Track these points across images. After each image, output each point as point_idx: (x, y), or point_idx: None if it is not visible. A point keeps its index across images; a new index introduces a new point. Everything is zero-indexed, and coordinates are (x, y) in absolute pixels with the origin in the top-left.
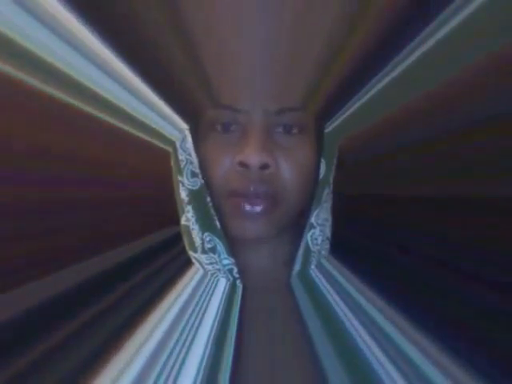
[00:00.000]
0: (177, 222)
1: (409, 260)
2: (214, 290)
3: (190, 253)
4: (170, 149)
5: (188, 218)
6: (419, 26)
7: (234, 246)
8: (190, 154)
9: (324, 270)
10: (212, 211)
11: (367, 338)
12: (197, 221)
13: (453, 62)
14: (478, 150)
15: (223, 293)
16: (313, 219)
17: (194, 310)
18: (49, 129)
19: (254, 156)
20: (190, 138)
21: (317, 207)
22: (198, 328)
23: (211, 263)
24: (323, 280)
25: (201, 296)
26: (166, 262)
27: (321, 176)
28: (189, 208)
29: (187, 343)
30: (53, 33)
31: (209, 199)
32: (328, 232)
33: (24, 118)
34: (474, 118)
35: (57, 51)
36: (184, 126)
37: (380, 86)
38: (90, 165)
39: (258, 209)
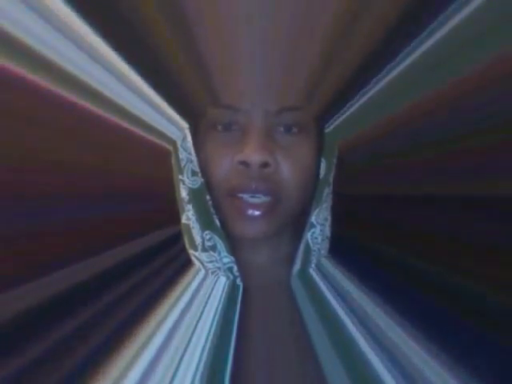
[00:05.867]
0: (177, 220)
1: (409, 260)
2: (213, 288)
3: (191, 251)
4: (170, 148)
5: (188, 216)
6: (419, 27)
7: (234, 244)
8: (190, 153)
9: (324, 270)
10: (212, 210)
11: (367, 337)
12: (197, 219)
13: (453, 62)
14: (478, 149)
15: (223, 291)
16: (313, 218)
17: (193, 308)
18: (48, 127)
19: (254, 155)
20: (189, 137)
21: (317, 206)
22: (197, 326)
23: (211, 261)
24: (323, 279)
25: (201, 294)
26: (167, 261)
27: (321, 175)
28: (189, 207)
29: (187, 342)
30: (55, 31)
31: (209, 197)
32: (328, 231)
33: (23, 116)
34: (475, 118)
35: (58, 49)
36: (185, 124)
37: (380, 86)
38: (90, 163)
39: (259, 212)
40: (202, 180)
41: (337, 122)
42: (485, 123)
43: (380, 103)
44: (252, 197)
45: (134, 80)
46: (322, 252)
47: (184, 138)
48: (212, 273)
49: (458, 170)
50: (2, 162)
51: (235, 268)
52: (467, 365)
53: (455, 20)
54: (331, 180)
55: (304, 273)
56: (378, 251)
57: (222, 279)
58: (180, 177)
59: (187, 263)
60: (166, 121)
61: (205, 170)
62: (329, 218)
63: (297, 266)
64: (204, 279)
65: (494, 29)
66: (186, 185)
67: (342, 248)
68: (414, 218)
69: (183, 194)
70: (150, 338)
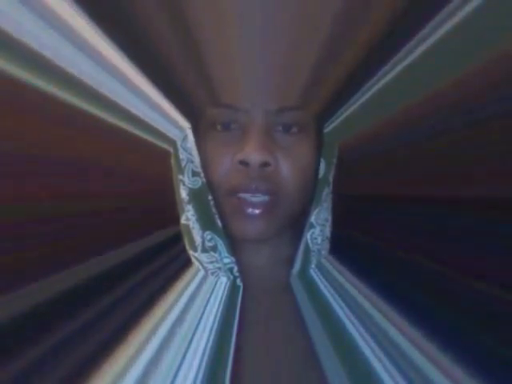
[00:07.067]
0: (177, 221)
1: (408, 260)
2: (214, 289)
3: (190, 252)
4: (170, 148)
5: (188, 217)
6: (419, 26)
7: (234, 244)
8: (190, 153)
9: (324, 270)
10: (213, 210)
11: (367, 337)
12: (197, 220)
13: (453, 61)
14: (478, 149)
15: (223, 291)
16: (313, 218)
17: (194, 309)
18: (48, 128)
19: (254, 154)
20: (191, 137)
21: (316, 207)
22: (198, 326)
23: (211, 262)
24: (323, 280)
25: (201, 294)
26: (167, 261)
27: (320, 175)
28: (189, 207)
29: (187, 342)
30: (54, 30)
31: (210, 197)
32: (328, 232)
33: (23, 117)
34: (474, 117)
35: (58, 49)
36: (185, 124)
37: (380, 85)
38: (90, 164)
39: (258, 211)
40: (203, 180)
41: (336, 122)
42: (485, 123)
43: (379, 103)
44: (252, 196)
45: (134, 80)
46: (323, 252)
47: (184, 138)
48: (212, 273)
49: (458, 169)
50: (1, 162)
51: (236, 268)
52: (468, 364)
53: (454, 19)
54: (331, 180)
55: (304, 273)
56: (378, 251)
57: (223, 280)
58: (180, 177)
59: (187, 264)
60: (165, 121)
61: (204, 169)
62: (329, 218)
63: (297, 267)
64: (204, 280)
65: (494, 29)
66: (186, 185)
67: (342, 248)
68: (414, 218)
69: (183, 194)
70: (151, 339)
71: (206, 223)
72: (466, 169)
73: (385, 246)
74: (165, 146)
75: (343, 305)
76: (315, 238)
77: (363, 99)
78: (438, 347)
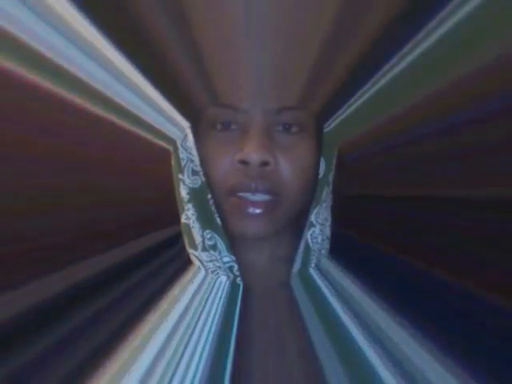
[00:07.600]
0: (177, 220)
1: (408, 260)
2: (214, 288)
3: (190, 251)
4: (170, 147)
5: (188, 216)
6: (418, 26)
7: (234, 244)
8: (190, 153)
9: (324, 270)
10: (213, 209)
11: (367, 337)
12: (197, 219)
13: (452, 61)
14: (478, 149)
15: (223, 290)
16: (312, 218)
17: (194, 308)
18: (47, 126)
19: (254, 154)
20: (191, 136)
21: (316, 206)
22: (197, 325)
23: (211, 261)
24: (323, 279)
25: (201, 293)
26: (167, 260)
27: (320, 175)
28: (189, 206)
29: (187, 341)
30: (54, 29)
31: (210, 197)
32: (328, 231)
33: (23, 115)
34: (474, 117)
35: (58, 47)
36: (185, 124)
37: (380, 85)
38: (90, 163)
39: (259, 210)
40: (203, 179)
41: (336, 122)
42: (485, 123)
43: (380, 103)
44: (252, 195)
45: (134, 79)
46: (323, 252)
47: (184, 138)
48: (212, 272)
49: (458, 169)
50: (3, 163)
51: (235, 267)
52: (468, 364)
53: (454, 19)
54: (331, 179)
55: (304, 272)
56: (378, 251)
57: (223, 278)
58: (180, 176)
59: (187, 263)
60: (165, 120)
61: (204, 169)
62: (329, 218)
63: (297, 266)
64: (204, 279)
65: (494, 29)
66: (186, 184)
67: (342, 248)
68: (414, 218)
69: (183, 193)
70: (150, 338)
71: (206, 222)
72: (466, 169)
73: (384, 245)
74: (165, 145)
75: (343, 304)
76: (315, 238)
77: (363, 99)
78: (438, 345)
